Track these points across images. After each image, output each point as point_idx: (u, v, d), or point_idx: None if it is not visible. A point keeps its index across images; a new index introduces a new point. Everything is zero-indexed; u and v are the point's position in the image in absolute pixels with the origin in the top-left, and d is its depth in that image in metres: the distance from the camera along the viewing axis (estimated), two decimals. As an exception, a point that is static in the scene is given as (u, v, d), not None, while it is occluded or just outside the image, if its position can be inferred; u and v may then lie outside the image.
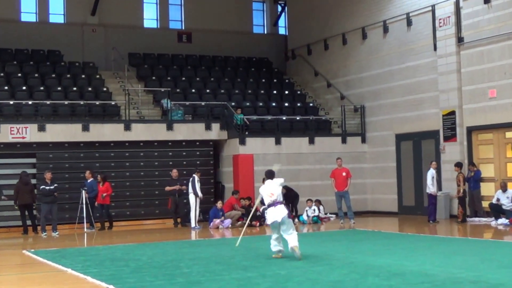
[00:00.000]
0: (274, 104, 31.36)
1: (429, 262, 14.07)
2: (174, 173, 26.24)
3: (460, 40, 25.75)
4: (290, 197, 26.53)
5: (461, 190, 24.00)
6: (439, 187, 25.03)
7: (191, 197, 25.17)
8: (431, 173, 24.56)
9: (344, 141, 29.71)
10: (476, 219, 24.11)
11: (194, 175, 25.43)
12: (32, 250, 18.43)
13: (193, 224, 25.08)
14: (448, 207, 25.74)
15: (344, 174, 24.96)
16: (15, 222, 25.24)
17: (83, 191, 24.63)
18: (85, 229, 24.36)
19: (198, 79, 32.35)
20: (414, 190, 27.86)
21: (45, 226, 23.33)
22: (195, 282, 12.28)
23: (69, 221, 25.45)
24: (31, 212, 24.49)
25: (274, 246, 15.24)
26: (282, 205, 15.26)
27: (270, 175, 15.79)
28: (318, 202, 26.85)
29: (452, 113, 25.87)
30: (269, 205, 15.27)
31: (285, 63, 36.83)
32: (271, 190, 15.37)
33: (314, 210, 26.31)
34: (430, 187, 24.49)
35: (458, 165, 24.43)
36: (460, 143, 25.72)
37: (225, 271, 13.43)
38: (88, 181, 24.99)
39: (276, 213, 15.03)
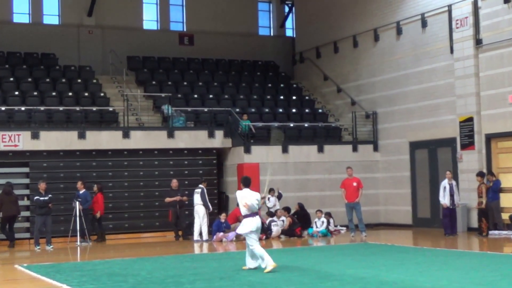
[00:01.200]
0: (281, 110, 31.36)
1: (445, 278, 14.04)
2: (174, 183, 26.27)
3: (478, 42, 25.73)
4: (301, 216, 26.57)
5: (484, 202, 23.91)
6: (452, 199, 24.81)
7: (201, 209, 25.25)
8: (443, 183, 24.57)
9: (355, 149, 29.69)
10: (496, 232, 24.03)
11: (201, 185, 25.51)
12: (25, 264, 18.43)
13: (196, 237, 25.15)
14: (466, 219, 25.68)
15: (355, 184, 24.95)
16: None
17: (77, 202, 24.63)
18: (78, 243, 24.33)
19: (200, 83, 32.38)
20: (430, 202, 27.80)
21: (39, 239, 23.35)
22: (197, 298, 12.30)
23: (64, 234, 25.41)
24: (12, 225, 24.52)
25: (251, 263, 15.85)
26: (258, 216, 15.94)
27: (246, 182, 16.18)
28: (329, 215, 26.86)
29: (470, 119, 25.83)
30: (246, 216, 15.78)
31: (293, 66, 36.85)
32: (246, 200, 15.78)
33: (323, 222, 26.29)
34: (440, 198, 24.52)
35: (480, 174, 24.32)
36: (479, 151, 25.68)
37: None
38: (81, 192, 24.95)
39: (253, 223, 15.68)
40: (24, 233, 25.82)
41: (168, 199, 26.02)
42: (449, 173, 24.80)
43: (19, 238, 25.54)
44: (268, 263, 15.32)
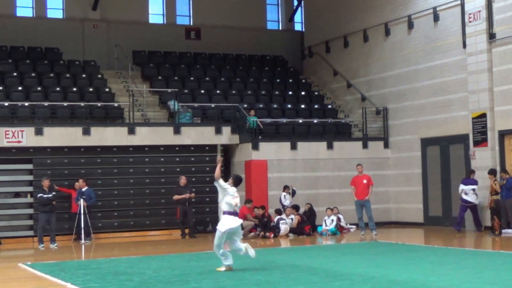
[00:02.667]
0: (289, 106, 31.33)
1: (457, 278, 14.03)
2: (183, 180, 26.30)
3: (491, 36, 25.67)
4: (309, 213, 26.61)
5: (490, 200, 23.97)
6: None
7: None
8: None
9: (365, 146, 29.66)
10: (509, 230, 24.00)
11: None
12: (29, 263, 18.50)
13: None
14: (479, 218, 25.63)
15: (365, 181, 24.94)
16: (11, 233, 25.44)
17: (82, 199, 24.70)
18: (83, 241, 24.42)
19: (207, 79, 32.38)
20: (441, 199, 27.76)
21: (43, 237, 23.41)
22: (204, 298, 12.33)
23: (68, 232, 25.54)
24: None
25: (226, 259, 15.70)
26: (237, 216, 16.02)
27: (238, 181, 16.73)
28: (336, 210, 26.94)
29: (483, 115, 25.79)
30: (230, 213, 15.80)
31: (302, 61, 36.84)
32: (237, 200, 16.05)
33: (332, 220, 26.30)
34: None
35: (492, 172, 24.32)
36: (492, 148, 25.63)
37: (237, 287, 13.46)
38: (84, 189, 25.04)
39: (233, 221, 15.66)
40: (27, 231, 25.90)
41: (176, 197, 26.05)
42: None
43: (23, 236, 25.67)
44: (224, 264, 15.59)
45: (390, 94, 30.26)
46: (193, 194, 25.97)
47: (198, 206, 26.79)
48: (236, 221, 15.70)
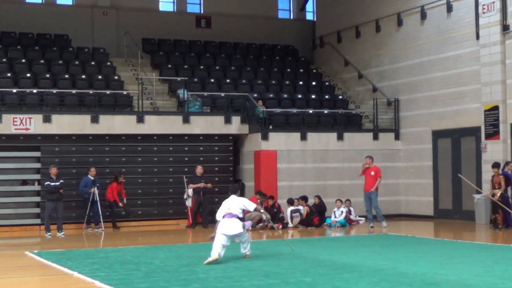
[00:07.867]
0: (300, 96, 31.33)
1: (467, 271, 14.04)
2: (199, 169, 26.30)
3: (505, 28, 25.60)
4: (320, 208, 26.58)
5: (494, 193, 23.98)
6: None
7: None
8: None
9: (376, 137, 29.65)
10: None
11: None
12: (35, 251, 18.58)
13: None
14: (489, 211, 25.61)
15: (372, 173, 24.90)
16: (17, 221, 25.54)
17: (96, 188, 24.88)
18: (102, 229, 24.67)
19: (217, 67, 32.38)
20: (452, 192, 27.76)
21: (50, 226, 23.48)
22: (211, 288, 12.39)
23: (75, 220, 25.63)
24: None
25: (219, 252, 15.67)
26: (237, 219, 16.29)
27: (233, 189, 17.00)
28: (349, 202, 26.97)
29: (495, 108, 25.75)
30: (223, 216, 16.17)
31: (313, 51, 36.78)
32: (229, 205, 16.32)
33: (342, 211, 26.31)
34: None
35: (497, 165, 24.25)
36: (504, 141, 25.59)
37: (245, 277, 13.49)
38: (93, 178, 25.21)
39: (230, 226, 15.93)
40: (34, 219, 25.99)
41: (191, 186, 26.06)
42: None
43: (30, 224, 25.77)
44: (212, 255, 15.55)
45: (401, 85, 30.23)
46: (209, 185, 25.91)
47: (218, 196, 26.79)
48: (232, 228, 15.98)
